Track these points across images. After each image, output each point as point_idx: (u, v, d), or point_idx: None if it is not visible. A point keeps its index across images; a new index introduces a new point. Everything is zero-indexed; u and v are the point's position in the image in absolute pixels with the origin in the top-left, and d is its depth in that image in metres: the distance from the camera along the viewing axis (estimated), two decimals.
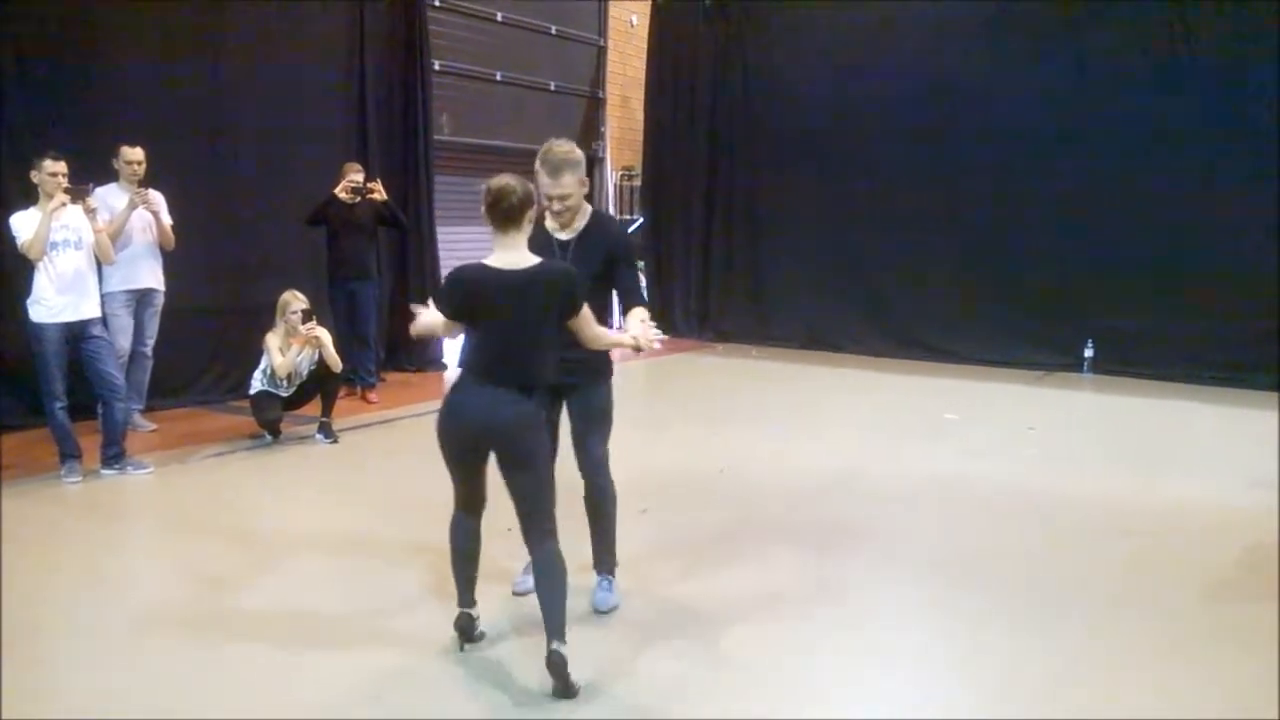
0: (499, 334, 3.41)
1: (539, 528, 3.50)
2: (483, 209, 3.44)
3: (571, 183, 3.83)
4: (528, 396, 3.42)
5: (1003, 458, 6.82)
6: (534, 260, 3.44)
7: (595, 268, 3.87)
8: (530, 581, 3.92)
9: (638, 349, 3.76)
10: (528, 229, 3.48)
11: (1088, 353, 10.08)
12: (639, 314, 3.82)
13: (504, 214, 3.39)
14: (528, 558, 3.75)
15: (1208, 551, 5.01)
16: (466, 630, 3.77)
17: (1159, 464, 6.80)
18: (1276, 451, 6.69)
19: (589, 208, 4.03)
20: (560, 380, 3.77)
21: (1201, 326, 9.44)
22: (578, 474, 4.13)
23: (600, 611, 4.14)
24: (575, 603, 3.63)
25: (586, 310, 3.53)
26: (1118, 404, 8.85)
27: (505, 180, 3.42)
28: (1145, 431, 7.86)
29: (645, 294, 4.18)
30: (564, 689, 3.38)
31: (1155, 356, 9.70)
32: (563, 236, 3.95)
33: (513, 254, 3.42)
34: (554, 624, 3.40)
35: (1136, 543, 5.15)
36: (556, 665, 3.35)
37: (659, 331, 3.81)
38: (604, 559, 4.25)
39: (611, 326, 4.10)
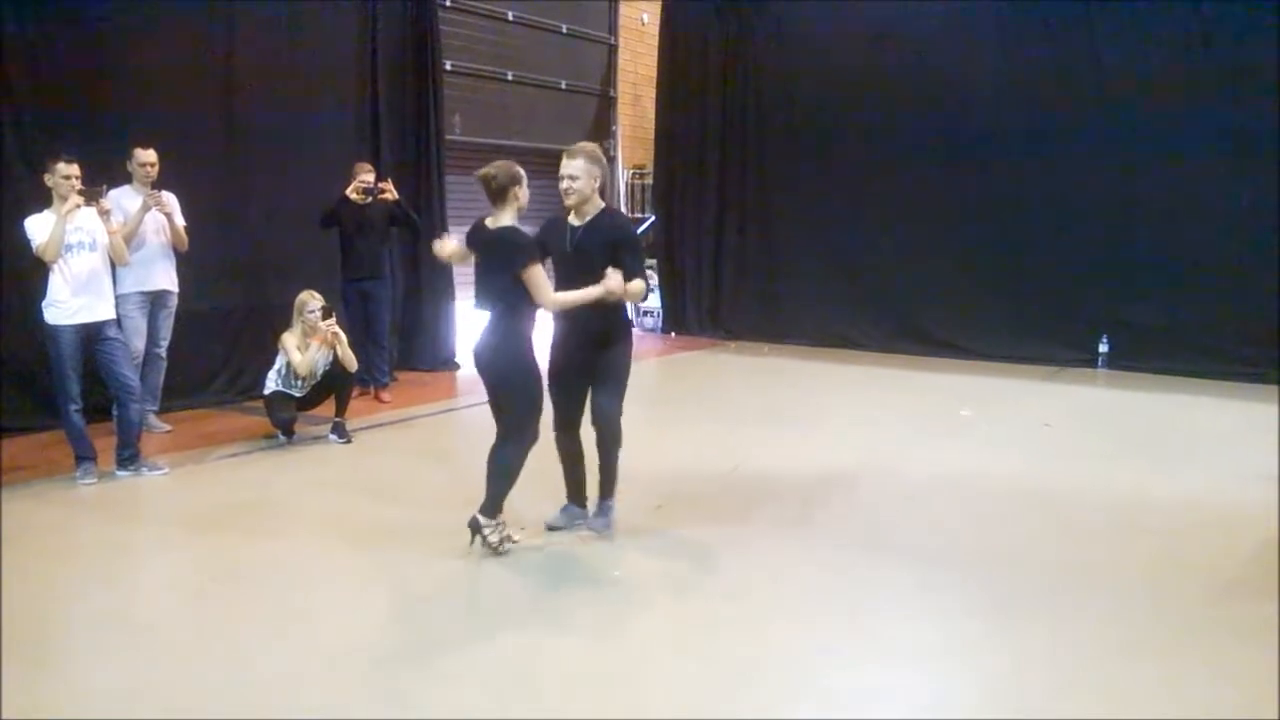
0: (477, 270, 4.65)
1: (505, 430, 4.64)
2: None
3: (580, 166, 4.62)
4: (507, 329, 4.51)
5: (1018, 454, 6.78)
6: (505, 225, 4.54)
7: (597, 252, 4.61)
8: (560, 518, 5.04)
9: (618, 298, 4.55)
10: (514, 204, 4.54)
11: (1103, 348, 10.01)
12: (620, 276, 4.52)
13: (491, 194, 4.56)
14: (563, 500, 5.07)
15: (1221, 548, 4.97)
16: (475, 528, 4.62)
17: (1173, 460, 6.76)
18: (1277, 447, 6.64)
19: (601, 203, 4.77)
20: (587, 349, 4.73)
21: (1216, 322, 9.38)
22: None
23: (592, 530, 4.97)
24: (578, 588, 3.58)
25: (537, 277, 4.44)
26: (1133, 400, 8.79)
27: (486, 170, 4.55)
28: (1160, 427, 7.80)
29: (648, 280, 5.03)
30: (484, 544, 4.58)
31: (1170, 352, 9.62)
32: (575, 223, 4.72)
33: (496, 219, 4.58)
34: (486, 501, 4.61)
35: (1150, 540, 5.11)
36: (472, 525, 4.58)
37: (618, 282, 4.49)
38: (606, 486, 5.01)
39: (625, 319, 5.03)
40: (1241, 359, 9.31)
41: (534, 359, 4.61)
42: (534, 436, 4.65)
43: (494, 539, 4.60)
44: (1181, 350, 9.58)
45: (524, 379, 4.58)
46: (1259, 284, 9.12)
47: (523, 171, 4.59)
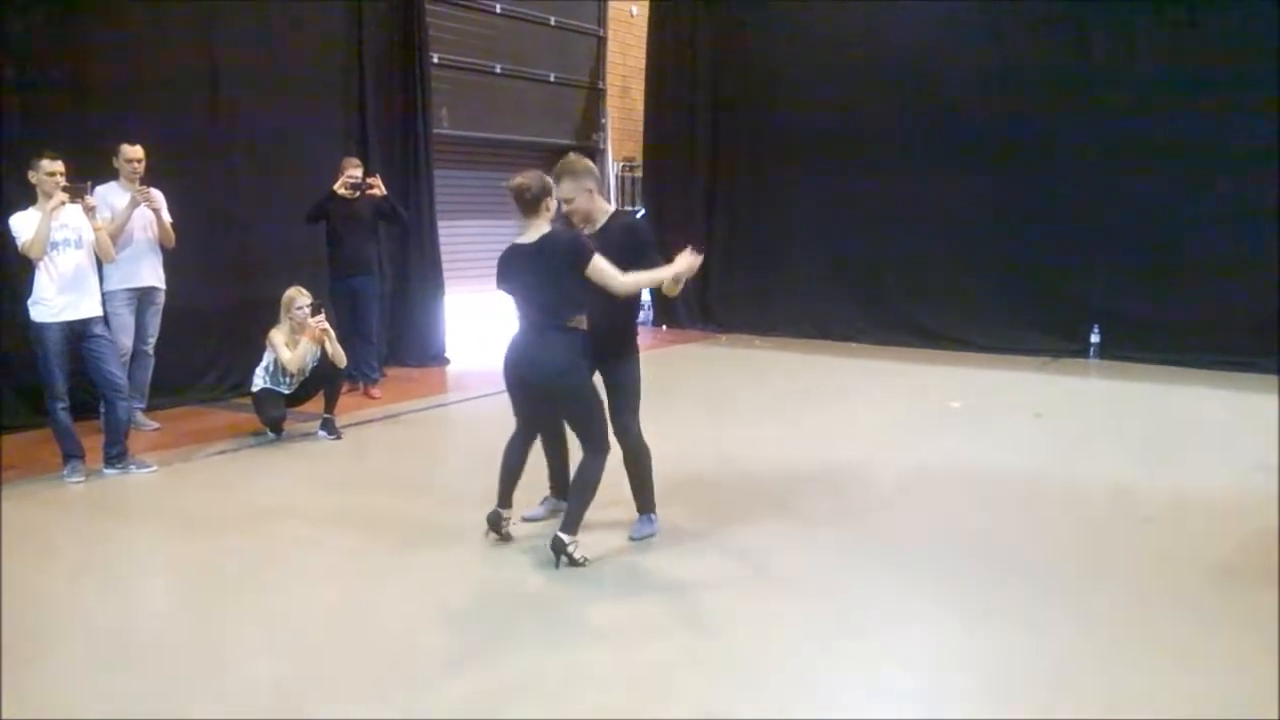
0: (520, 289, 4.48)
1: (586, 444, 4.50)
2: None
3: (570, 188, 4.58)
4: (559, 339, 4.35)
5: (1010, 445, 6.78)
6: (544, 233, 4.39)
7: (614, 256, 4.44)
8: (538, 511, 5.04)
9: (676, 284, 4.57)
10: (547, 214, 4.43)
11: (1094, 338, 10.04)
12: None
13: (523, 205, 4.43)
14: (545, 494, 5.03)
15: (1215, 538, 4.97)
16: (495, 523, 4.73)
17: (1166, 450, 6.76)
18: (1277, 436, 6.65)
19: (609, 207, 4.81)
20: (595, 354, 4.57)
21: (1207, 311, 9.42)
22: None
23: (634, 539, 4.83)
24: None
25: (603, 268, 4.31)
26: (1125, 390, 8.81)
27: (518, 180, 4.42)
28: (1152, 417, 7.82)
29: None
30: (569, 562, 4.42)
31: (1162, 342, 9.65)
32: (588, 233, 4.65)
33: (530, 232, 4.42)
34: (566, 518, 4.48)
35: (1144, 530, 5.11)
36: (556, 546, 4.42)
37: (697, 258, 4.48)
38: (641, 501, 4.93)
39: (636, 331, 4.91)
40: (1231, 348, 9.33)
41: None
42: (608, 445, 4.55)
43: (579, 555, 4.46)
44: (1173, 340, 9.61)
45: (587, 391, 4.47)
46: (1249, 274, 9.16)
47: (553, 182, 4.51)
